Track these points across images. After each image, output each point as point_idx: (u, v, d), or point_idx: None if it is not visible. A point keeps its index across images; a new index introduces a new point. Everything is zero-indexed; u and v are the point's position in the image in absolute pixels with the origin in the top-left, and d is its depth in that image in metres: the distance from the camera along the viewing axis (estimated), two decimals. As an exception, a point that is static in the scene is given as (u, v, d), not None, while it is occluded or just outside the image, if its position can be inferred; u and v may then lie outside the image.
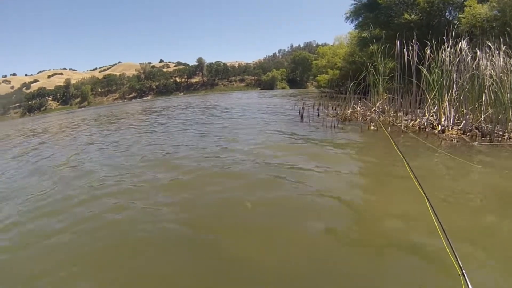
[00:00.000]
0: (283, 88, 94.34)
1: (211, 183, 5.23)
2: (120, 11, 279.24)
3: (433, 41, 9.24)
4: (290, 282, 2.76)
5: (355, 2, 19.13)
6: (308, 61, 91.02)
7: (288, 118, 12.85)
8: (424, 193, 3.00)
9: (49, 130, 21.90)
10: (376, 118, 9.87)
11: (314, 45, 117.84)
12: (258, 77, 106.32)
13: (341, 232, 3.53)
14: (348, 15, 20.15)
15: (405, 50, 9.82)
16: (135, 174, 6.37)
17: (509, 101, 7.40)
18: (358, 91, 11.57)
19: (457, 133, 7.85)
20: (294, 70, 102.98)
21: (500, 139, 7.20)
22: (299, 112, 12.75)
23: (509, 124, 7.54)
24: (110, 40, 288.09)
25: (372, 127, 8.96)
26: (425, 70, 8.98)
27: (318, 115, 12.03)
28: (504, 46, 8.51)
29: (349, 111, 10.98)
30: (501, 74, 7.83)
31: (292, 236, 3.48)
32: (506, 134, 7.40)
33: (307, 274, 2.81)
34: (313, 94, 37.77)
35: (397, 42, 10.16)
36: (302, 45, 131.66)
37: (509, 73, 7.84)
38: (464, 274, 1.98)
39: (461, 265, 2.03)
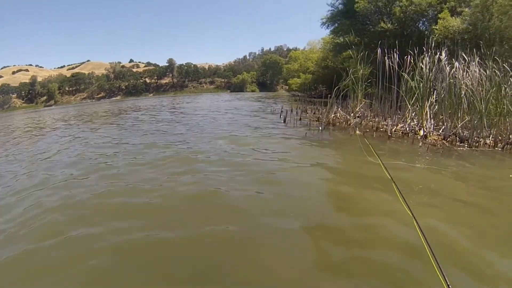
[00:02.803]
0: (253, 91, 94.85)
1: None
2: (90, 7, 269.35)
3: (409, 50, 9.72)
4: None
5: (332, 8, 19.66)
6: (278, 64, 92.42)
7: (271, 122, 12.51)
8: (412, 213, 3.07)
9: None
10: (359, 123, 10.17)
11: (285, 49, 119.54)
12: (228, 79, 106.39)
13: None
14: (324, 20, 20.66)
15: (386, 57, 10.21)
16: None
17: (483, 109, 7.87)
18: (334, 95, 11.77)
19: (438, 138, 8.23)
20: (264, 73, 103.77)
21: (477, 144, 7.63)
22: (280, 115, 12.88)
23: (484, 130, 8.02)
24: (79, 37, 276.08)
25: (358, 132, 9.20)
26: (406, 75, 9.37)
27: (300, 119, 12.17)
28: (478, 58, 9.07)
29: (332, 116, 11.21)
30: (474, 84, 8.35)
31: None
32: (482, 139, 7.86)
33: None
34: (284, 98, 38.21)
35: (379, 49, 10.53)
36: (273, 49, 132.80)
37: (483, 83, 8.36)
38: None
39: (448, 283, 2.00)
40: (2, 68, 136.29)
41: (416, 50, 9.65)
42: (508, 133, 8.26)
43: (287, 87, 63.63)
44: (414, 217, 3.03)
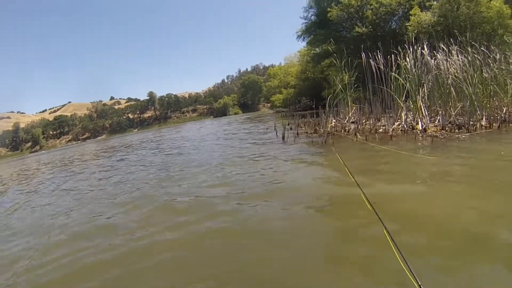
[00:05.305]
0: (236, 113, 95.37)
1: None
2: (66, 49, 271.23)
3: (389, 49, 10.14)
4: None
5: (306, 21, 20.34)
6: (257, 84, 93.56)
7: (274, 141, 11.84)
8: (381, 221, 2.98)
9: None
10: (356, 128, 10.35)
11: (261, 68, 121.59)
12: (210, 105, 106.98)
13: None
14: (299, 33, 21.30)
15: (370, 60, 10.53)
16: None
17: (472, 94, 8.21)
18: (328, 105, 11.90)
19: (436, 129, 8.49)
20: (244, 94, 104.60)
21: (474, 127, 7.90)
22: (277, 133, 13.07)
23: (476, 114, 8.35)
24: (58, 80, 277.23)
25: (360, 137, 9.32)
26: (394, 74, 9.67)
27: (297, 133, 12.28)
28: (456, 46, 9.52)
29: (328, 126, 11.36)
30: (459, 71, 8.75)
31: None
32: (477, 123, 8.15)
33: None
34: (270, 116, 38.22)
35: (363, 54, 10.86)
36: (249, 69, 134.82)
37: (467, 69, 8.77)
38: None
39: (419, 282, 1.97)
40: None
41: (394, 48, 10.08)
42: (499, 112, 8.65)
43: (269, 105, 64.17)
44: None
